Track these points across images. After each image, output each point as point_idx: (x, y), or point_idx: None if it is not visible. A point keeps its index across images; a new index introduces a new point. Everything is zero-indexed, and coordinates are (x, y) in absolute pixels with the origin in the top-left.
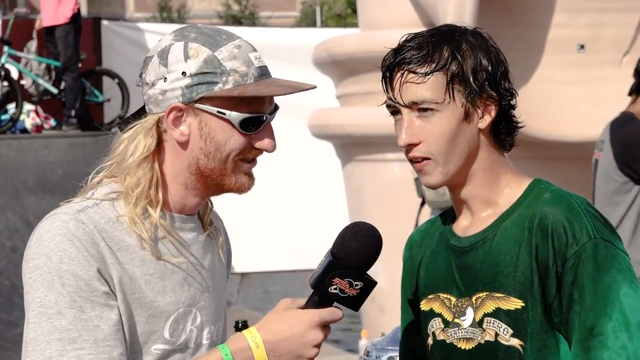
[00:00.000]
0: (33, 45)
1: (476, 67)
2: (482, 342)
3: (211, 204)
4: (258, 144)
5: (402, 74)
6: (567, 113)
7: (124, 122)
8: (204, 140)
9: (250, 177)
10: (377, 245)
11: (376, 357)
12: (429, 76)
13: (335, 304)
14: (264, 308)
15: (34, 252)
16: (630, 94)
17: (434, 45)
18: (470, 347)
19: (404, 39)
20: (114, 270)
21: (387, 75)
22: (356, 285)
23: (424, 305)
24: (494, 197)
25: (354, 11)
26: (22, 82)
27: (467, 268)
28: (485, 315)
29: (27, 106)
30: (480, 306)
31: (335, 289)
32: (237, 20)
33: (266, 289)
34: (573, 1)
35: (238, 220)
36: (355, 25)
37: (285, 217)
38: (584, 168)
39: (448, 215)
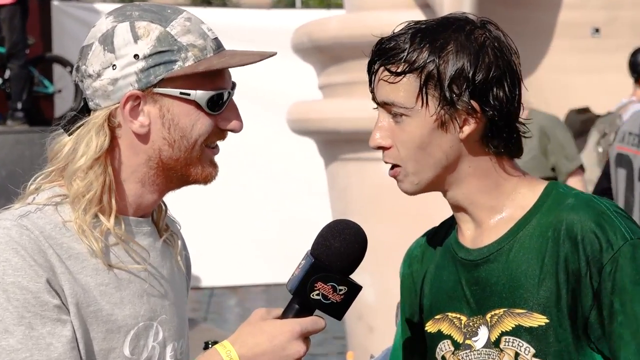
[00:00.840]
0: None
1: (456, 72)
2: None
3: (165, 207)
4: (225, 125)
5: (380, 71)
6: (581, 104)
7: (69, 122)
8: (167, 128)
9: (215, 165)
10: (362, 244)
11: None
12: (402, 77)
13: (316, 312)
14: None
15: None
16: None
17: (417, 40)
18: None
19: (399, 27)
20: (65, 280)
21: (370, 66)
22: (340, 290)
23: (430, 327)
24: (498, 203)
25: None
26: None
27: (479, 283)
28: (504, 334)
29: None
30: (497, 324)
31: (318, 294)
32: (205, 0)
33: (238, 306)
34: None
35: (205, 229)
36: (339, 6)
37: (259, 225)
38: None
39: (450, 225)
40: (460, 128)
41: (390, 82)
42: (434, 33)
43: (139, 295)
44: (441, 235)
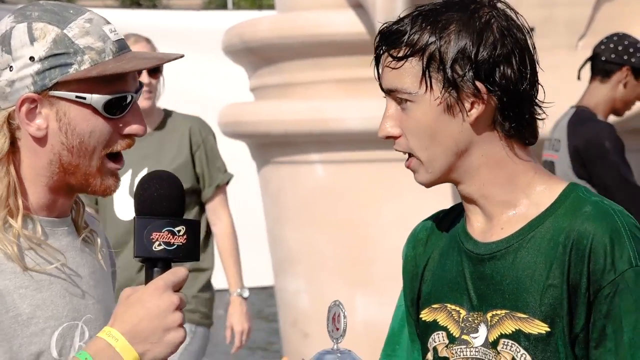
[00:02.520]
0: None
1: (459, 52)
2: None
3: (83, 205)
4: (127, 130)
5: (382, 56)
6: None
7: None
8: (64, 133)
9: (117, 178)
10: (175, 183)
11: None
12: (404, 61)
13: (174, 265)
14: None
15: None
16: (591, 80)
17: (418, 22)
18: None
19: (404, 12)
20: None
21: (376, 55)
22: (179, 231)
23: (426, 315)
24: (511, 198)
25: None
26: None
27: (484, 279)
28: (502, 336)
29: None
30: (497, 325)
31: (160, 245)
32: (135, 2)
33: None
34: None
35: None
36: (271, 7)
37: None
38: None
39: (459, 212)
40: (468, 111)
41: (393, 68)
42: (436, 14)
43: (61, 296)
44: (448, 221)
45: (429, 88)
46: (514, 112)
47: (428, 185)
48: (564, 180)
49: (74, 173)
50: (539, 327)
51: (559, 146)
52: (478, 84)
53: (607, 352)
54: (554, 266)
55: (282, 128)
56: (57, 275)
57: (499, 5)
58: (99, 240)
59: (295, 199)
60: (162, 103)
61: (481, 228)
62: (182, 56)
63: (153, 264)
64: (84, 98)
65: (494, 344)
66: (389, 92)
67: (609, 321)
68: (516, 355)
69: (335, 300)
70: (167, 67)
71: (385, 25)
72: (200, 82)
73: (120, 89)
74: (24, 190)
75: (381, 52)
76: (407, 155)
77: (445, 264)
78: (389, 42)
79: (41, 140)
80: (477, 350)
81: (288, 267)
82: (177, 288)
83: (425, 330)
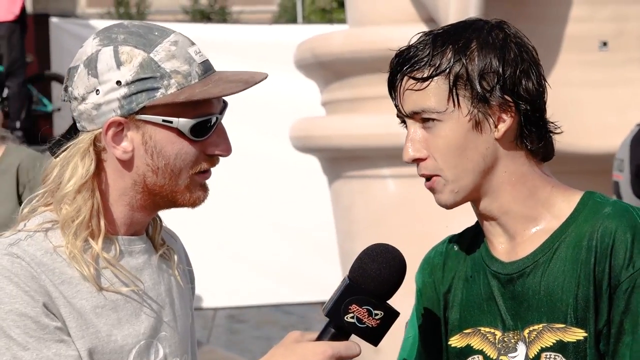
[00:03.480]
0: None
1: (485, 68)
2: None
3: (160, 221)
4: (212, 151)
5: (403, 80)
6: (589, 120)
7: (55, 144)
8: (149, 155)
9: (205, 189)
10: (401, 268)
11: None
12: (429, 81)
13: (352, 337)
14: (237, 347)
15: None
16: None
17: (438, 44)
18: None
19: (415, 37)
20: (61, 305)
21: (391, 80)
22: (376, 315)
23: (457, 342)
24: (533, 212)
25: (341, 4)
26: None
27: (515, 298)
28: (544, 349)
29: None
30: (536, 340)
31: (352, 317)
32: (205, 16)
33: (237, 327)
34: None
35: (206, 251)
36: (342, 21)
37: (263, 244)
38: (609, 184)
39: (474, 234)
40: (495, 126)
41: (417, 90)
42: (454, 35)
43: (136, 315)
44: (464, 244)
45: (456, 105)
46: (536, 127)
47: (450, 206)
48: (580, 191)
49: (159, 193)
50: (577, 334)
51: (622, 166)
52: (507, 97)
53: (625, 346)
54: (581, 270)
55: (353, 142)
56: (131, 295)
57: (504, 25)
58: (175, 257)
59: (367, 214)
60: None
61: (505, 248)
62: (267, 76)
63: (337, 327)
64: (171, 122)
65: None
66: (412, 115)
67: (626, 316)
68: None
69: None
70: None
71: (400, 49)
72: (271, 96)
73: (206, 112)
74: (106, 209)
75: (401, 76)
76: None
77: (472, 289)
78: (410, 65)
79: (127, 163)
80: None
81: None
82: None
83: (457, 356)
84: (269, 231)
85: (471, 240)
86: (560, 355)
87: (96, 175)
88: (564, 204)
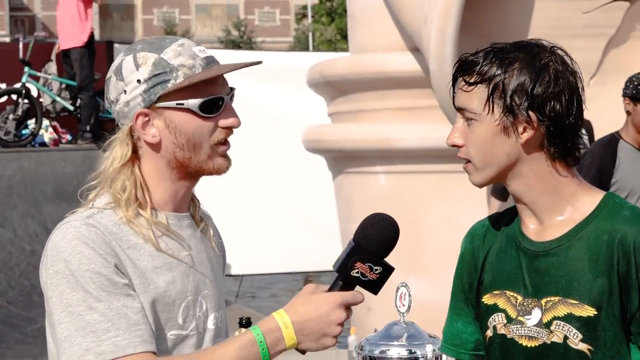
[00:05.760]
0: (52, 66)
1: (519, 86)
2: (548, 342)
3: (198, 202)
4: (223, 124)
5: (457, 80)
6: None
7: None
8: (174, 135)
9: (227, 158)
10: (395, 232)
11: (369, 350)
12: (474, 86)
13: (357, 288)
14: (259, 307)
15: (53, 259)
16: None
17: (490, 57)
18: (534, 345)
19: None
20: (128, 266)
21: (454, 78)
22: (376, 269)
23: (488, 299)
24: (558, 206)
25: (343, 37)
26: (41, 100)
27: (539, 271)
28: (556, 318)
29: (46, 122)
30: (551, 309)
31: (357, 272)
32: (236, 45)
33: (258, 291)
34: (546, 28)
35: (236, 229)
36: (344, 49)
37: (280, 224)
38: None
39: (512, 216)
40: (520, 134)
41: (465, 91)
42: (505, 52)
43: (186, 275)
44: (504, 221)
45: (490, 111)
46: (559, 140)
47: (480, 185)
48: (602, 190)
49: (189, 164)
50: (588, 311)
51: None
52: (531, 113)
53: None
54: (600, 260)
55: (353, 145)
56: (182, 259)
57: (558, 51)
58: (211, 231)
59: (362, 202)
60: (257, 127)
61: (535, 229)
62: (259, 62)
63: (344, 280)
64: (182, 104)
65: (547, 325)
66: (460, 110)
67: None
68: (569, 334)
69: (403, 282)
70: (260, 96)
71: (463, 55)
72: (287, 109)
73: (212, 92)
74: (154, 189)
75: (458, 76)
76: (464, 161)
77: (504, 258)
78: (464, 69)
79: (157, 146)
80: (529, 329)
81: None
82: (349, 307)
83: (486, 311)
84: (286, 215)
85: (510, 218)
86: (569, 325)
87: (136, 160)
88: (588, 201)
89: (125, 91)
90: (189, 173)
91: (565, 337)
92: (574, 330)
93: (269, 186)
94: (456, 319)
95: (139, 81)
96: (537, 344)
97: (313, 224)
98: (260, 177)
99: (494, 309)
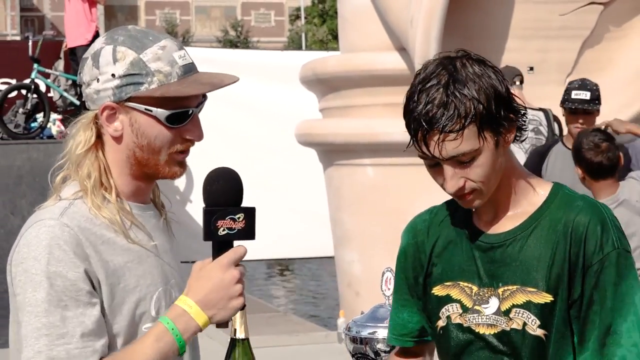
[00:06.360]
0: (60, 63)
1: (496, 99)
2: (507, 329)
3: (158, 188)
4: (187, 135)
5: (437, 136)
6: None
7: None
8: (135, 134)
9: (182, 165)
10: (234, 178)
11: (356, 332)
12: (462, 131)
13: (236, 244)
14: (252, 291)
15: (23, 257)
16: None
17: (455, 97)
18: (492, 332)
19: (419, 89)
20: (99, 267)
21: (420, 134)
22: (238, 217)
23: (439, 291)
24: (513, 199)
25: (334, 37)
26: (50, 95)
27: (494, 262)
28: (515, 306)
29: (54, 116)
30: (509, 297)
31: (223, 230)
32: (233, 44)
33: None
34: (524, 29)
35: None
36: (335, 49)
37: (273, 213)
38: None
39: (454, 209)
40: (506, 141)
41: (452, 140)
42: (459, 82)
43: (155, 266)
44: (445, 215)
45: (484, 140)
46: (522, 132)
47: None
48: (548, 181)
49: (147, 165)
50: (545, 298)
51: None
52: (510, 115)
53: (594, 313)
54: (557, 249)
55: (343, 139)
56: (150, 250)
57: (469, 53)
58: (168, 217)
59: (351, 193)
60: (252, 121)
61: (489, 222)
62: (236, 80)
63: (219, 244)
64: (151, 111)
65: (506, 312)
66: (449, 159)
67: (596, 290)
68: (527, 321)
69: (388, 267)
70: (255, 93)
71: (419, 112)
72: (281, 105)
73: (182, 105)
74: (114, 175)
75: (426, 133)
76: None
77: (454, 251)
78: (444, 123)
79: (118, 139)
80: (487, 317)
81: (345, 243)
82: (237, 263)
83: (437, 302)
84: (279, 205)
85: (452, 212)
86: (528, 312)
87: (100, 145)
88: (537, 192)
89: (98, 79)
90: (147, 174)
91: (524, 324)
92: (533, 317)
93: (264, 178)
94: (402, 310)
95: (113, 75)
96: (495, 331)
97: (304, 214)
98: (255, 169)
99: (447, 299)
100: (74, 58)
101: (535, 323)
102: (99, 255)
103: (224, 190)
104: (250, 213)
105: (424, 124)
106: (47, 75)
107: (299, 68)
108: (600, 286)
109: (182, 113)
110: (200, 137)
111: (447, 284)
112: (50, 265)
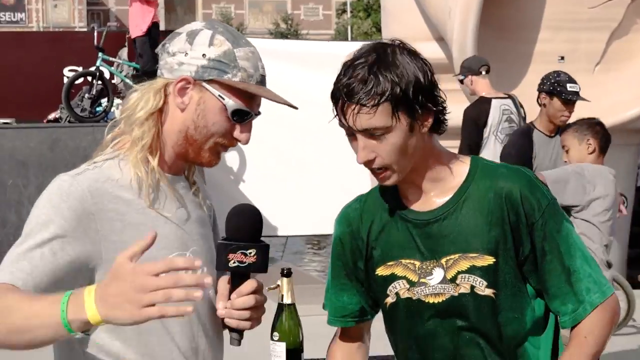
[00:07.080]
0: (124, 52)
1: (415, 86)
2: (456, 294)
3: (195, 167)
4: (237, 135)
5: (353, 107)
6: None
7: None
8: (197, 114)
9: (218, 158)
10: (254, 215)
11: None
12: (376, 107)
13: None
14: (301, 262)
15: (34, 206)
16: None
17: (376, 76)
18: (441, 300)
19: (348, 65)
20: (106, 221)
21: (340, 104)
22: (250, 252)
23: (383, 271)
24: (438, 175)
25: (378, 30)
26: (114, 81)
27: (431, 237)
28: (460, 272)
29: (117, 100)
30: (453, 266)
31: (234, 262)
32: (284, 36)
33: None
34: (555, 20)
35: (282, 197)
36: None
37: (318, 191)
38: None
39: (382, 194)
40: (423, 126)
41: (367, 114)
42: (383, 64)
43: (174, 233)
44: (374, 200)
45: (397, 120)
46: (442, 118)
47: (392, 185)
48: (463, 155)
49: (192, 145)
50: (487, 260)
51: None
52: (429, 104)
53: (551, 261)
54: (492, 215)
55: None
56: (171, 219)
57: (397, 42)
58: (201, 195)
59: None
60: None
61: (419, 201)
62: (296, 108)
63: (232, 275)
64: (223, 98)
65: (452, 280)
66: (362, 131)
67: (546, 242)
68: (474, 283)
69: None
70: (305, 81)
71: (342, 84)
72: (328, 90)
73: (249, 105)
74: (162, 143)
75: (347, 102)
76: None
77: (390, 232)
78: (360, 96)
79: (180, 112)
80: (434, 287)
81: None
82: (204, 285)
83: (383, 282)
84: (323, 183)
85: (381, 196)
86: (473, 276)
87: (160, 112)
88: (460, 166)
89: (187, 54)
90: (187, 152)
91: (472, 287)
92: (479, 279)
93: (311, 160)
94: (341, 294)
95: (204, 55)
96: (444, 299)
97: (347, 191)
98: (304, 152)
99: (393, 277)
100: (134, 47)
101: (482, 284)
102: (105, 213)
103: (242, 226)
104: (263, 249)
105: (344, 95)
106: (110, 63)
107: (344, 57)
108: (549, 236)
109: (245, 112)
110: (246, 140)
111: (390, 263)
112: (44, 208)
